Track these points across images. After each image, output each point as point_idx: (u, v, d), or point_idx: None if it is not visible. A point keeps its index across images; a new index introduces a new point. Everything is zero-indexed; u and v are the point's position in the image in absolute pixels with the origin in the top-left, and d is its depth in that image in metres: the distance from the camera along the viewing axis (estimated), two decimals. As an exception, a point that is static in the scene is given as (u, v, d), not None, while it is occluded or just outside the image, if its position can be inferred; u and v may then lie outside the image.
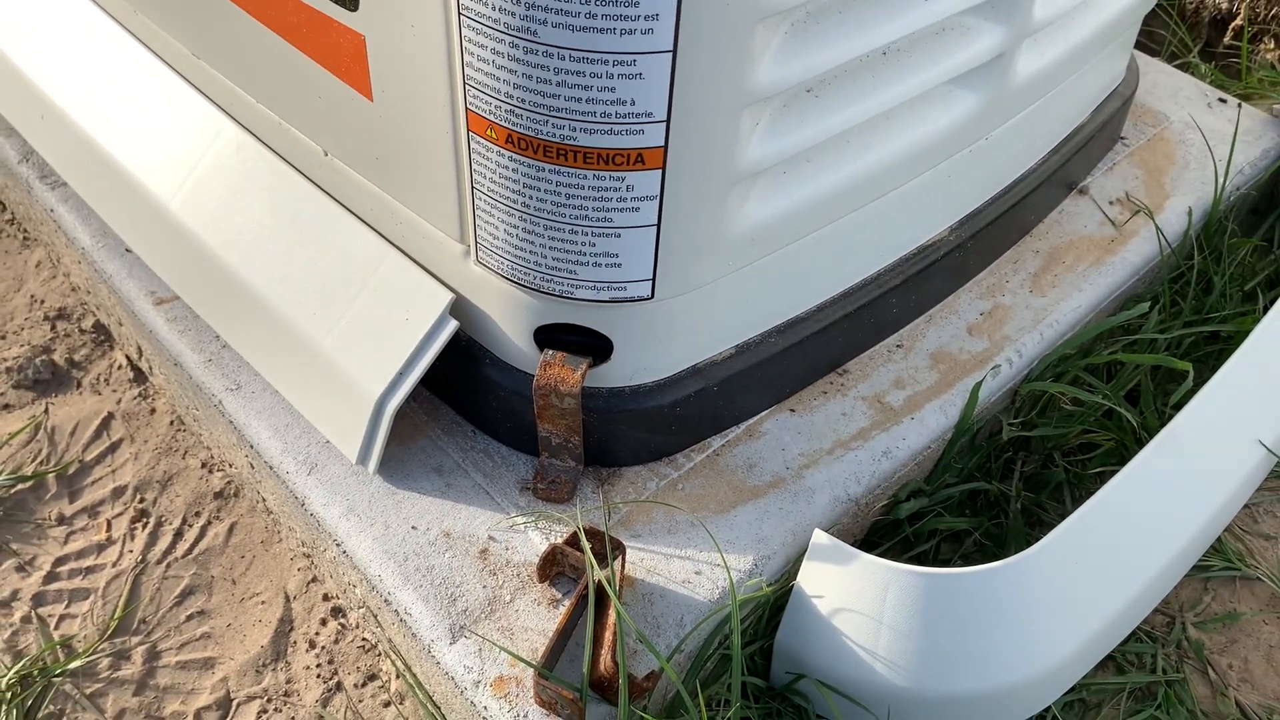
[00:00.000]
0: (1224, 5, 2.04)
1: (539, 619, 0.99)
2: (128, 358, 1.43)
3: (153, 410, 1.38)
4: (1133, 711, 1.10)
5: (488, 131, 0.87)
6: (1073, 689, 1.09)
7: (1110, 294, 1.34)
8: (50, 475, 1.31)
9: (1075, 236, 1.39)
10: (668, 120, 0.83)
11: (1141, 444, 1.09)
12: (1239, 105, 1.59)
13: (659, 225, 0.91)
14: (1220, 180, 1.44)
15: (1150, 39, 2.03)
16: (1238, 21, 2.02)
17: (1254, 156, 1.52)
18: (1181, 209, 1.43)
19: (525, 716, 0.93)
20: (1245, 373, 1.20)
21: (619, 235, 0.91)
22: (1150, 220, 1.40)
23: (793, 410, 1.17)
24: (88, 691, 1.13)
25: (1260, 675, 1.14)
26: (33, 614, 1.19)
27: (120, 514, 1.28)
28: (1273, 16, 2.03)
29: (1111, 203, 1.44)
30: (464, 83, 0.85)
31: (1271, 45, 2.05)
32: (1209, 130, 1.54)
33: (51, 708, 1.12)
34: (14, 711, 1.10)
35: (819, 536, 1.01)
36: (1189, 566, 1.17)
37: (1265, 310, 1.24)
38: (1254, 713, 1.11)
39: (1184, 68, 1.84)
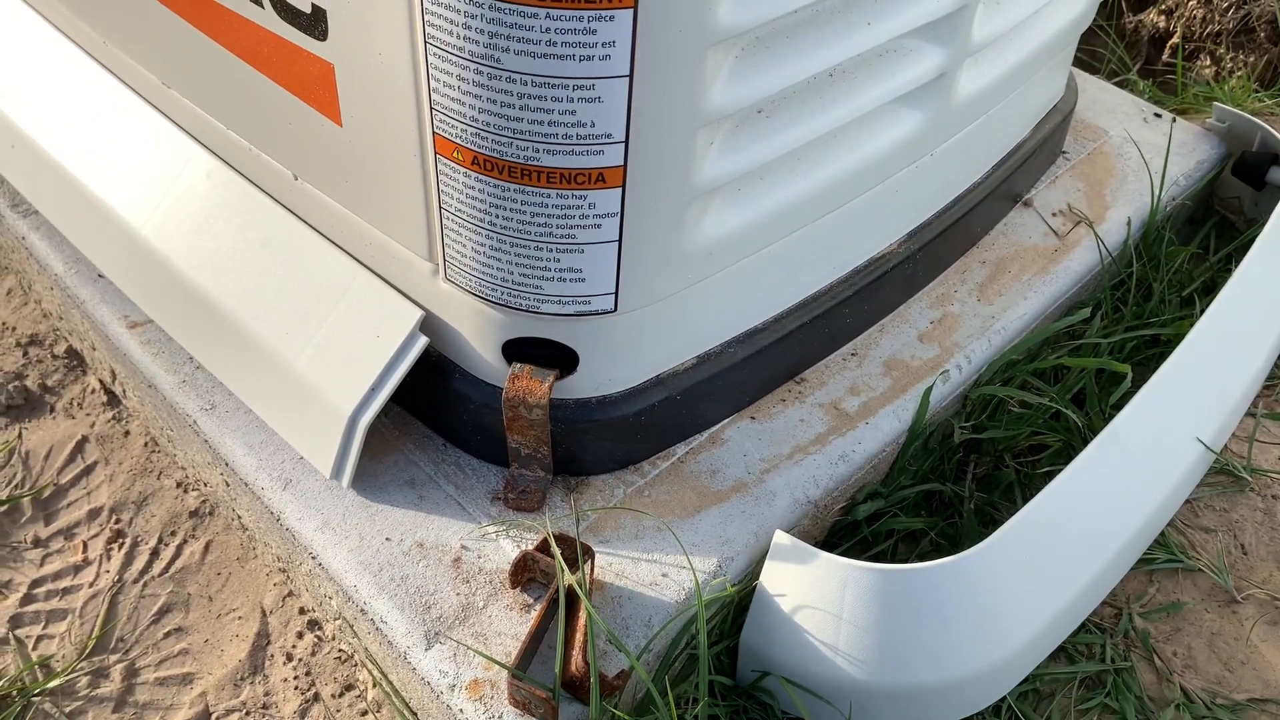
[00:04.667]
0: (1161, 24, 2.13)
1: (512, 624, 1.02)
2: (101, 382, 1.45)
3: (126, 433, 1.40)
4: (1084, 699, 1.15)
5: (454, 154, 0.91)
6: (1027, 679, 1.13)
7: (1054, 301, 1.39)
8: (25, 499, 1.33)
9: (1020, 247, 1.45)
10: (626, 141, 0.88)
11: (1088, 444, 1.14)
12: (1173, 119, 1.67)
13: (620, 241, 0.95)
14: (1157, 191, 1.51)
15: (1092, 57, 2.11)
16: (1174, 40, 2.10)
17: (1189, 168, 1.59)
18: (1121, 219, 1.50)
19: (500, 717, 0.96)
20: (1183, 374, 1.26)
21: (582, 251, 0.95)
22: (1091, 230, 1.47)
23: (753, 418, 1.21)
24: (67, 710, 1.15)
25: (1203, 661, 1.19)
26: (10, 635, 1.21)
27: (96, 535, 1.30)
28: (1208, 35, 2.11)
29: (1054, 214, 1.50)
30: (431, 108, 0.89)
31: (1207, 62, 2.13)
32: (1145, 144, 1.61)
33: (31, 726, 1.13)
34: (-6, 731, 1.12)
35: (780, 537, 1.05)
36: (1134, 559, 1.22)
37: (1202, 314, 1.30)
38: (1198, 696, 1.16)
39: (1123, 85, 1.92)
